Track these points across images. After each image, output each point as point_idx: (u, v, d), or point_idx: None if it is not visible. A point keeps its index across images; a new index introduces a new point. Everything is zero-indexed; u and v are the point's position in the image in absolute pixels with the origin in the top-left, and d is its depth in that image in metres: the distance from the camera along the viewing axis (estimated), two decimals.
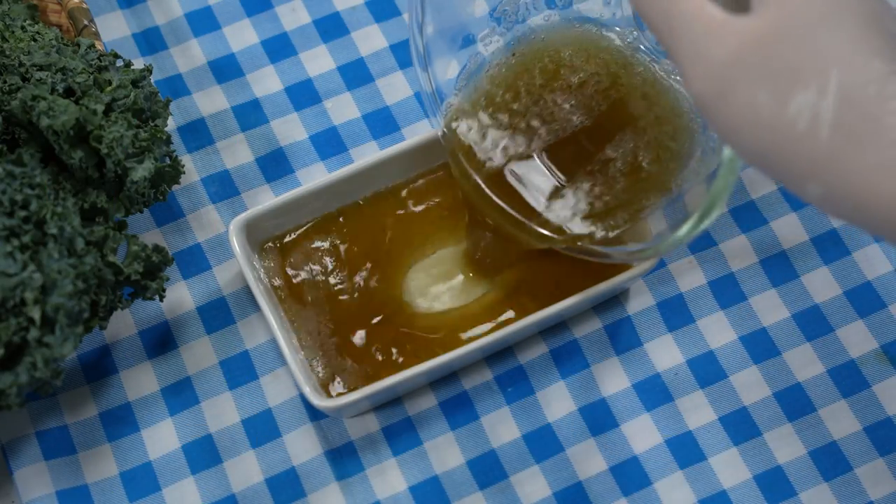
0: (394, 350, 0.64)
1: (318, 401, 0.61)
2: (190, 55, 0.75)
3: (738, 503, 0.63)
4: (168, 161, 0.65)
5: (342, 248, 0.67)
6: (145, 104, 0.64)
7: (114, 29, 0.75)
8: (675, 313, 0.67)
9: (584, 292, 0.63)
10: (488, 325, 0.65)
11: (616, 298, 0.67)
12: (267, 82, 0.74)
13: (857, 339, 0.66)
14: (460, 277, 0.66)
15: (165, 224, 0.70)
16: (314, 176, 0.71)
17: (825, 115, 0.45)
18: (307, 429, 0.65)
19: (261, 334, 0.67)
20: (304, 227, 0.67)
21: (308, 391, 0.61)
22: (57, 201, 0.59)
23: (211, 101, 0.73)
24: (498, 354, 0.66)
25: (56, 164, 0.63)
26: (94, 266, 0.58)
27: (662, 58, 0.63)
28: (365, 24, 0.75)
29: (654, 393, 0.65)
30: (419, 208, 0.68)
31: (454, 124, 0.64)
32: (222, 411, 0.65)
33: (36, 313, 0.56)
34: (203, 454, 0.64)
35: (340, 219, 0.68)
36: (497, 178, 0.64)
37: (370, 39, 0.75)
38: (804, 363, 0.66)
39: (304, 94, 0.73)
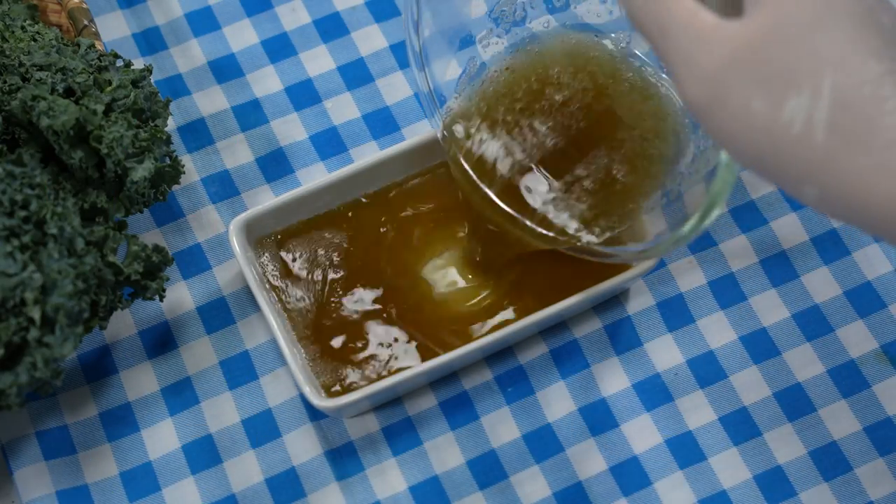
0: (394, 350, 0.64)
1: (318, 401, 0.61)
2: (190, 55, 0.75)
3: (738, 503, 0.63)
4: (168, 161, 0.65)
5: (342, 247, 0.67)
6: (145, 104, 0.64)
7: (114, 29, 0.75)
8: (675, 313, 0.67)
9: (584, 292, 0.63)
10: (488, 325, 0.65)
11: (616, 298, 0.67)
12: (267, 82, 0.74)
13: (857, 339, 0.66)
14: (461, 277, 0.66)
15: (165, 224, 0.70)
16: (314, 176, 0.71)
17: (820, 118, 0.45)
18: (307, 429, 0.65)
19: (261, 334, 0.67)
20: (304, 227, 0.67)
21: (308, 391, 0.61)
22: (57, 201, 0.59)
23: (211, 101, 0.73)
24: (498, 354, 0.66)
25: (56, 164, 0.63)
26: (94, 266, 0.58)
27: (656, 63, 0.63)
28: (365, 24, 0.75)
29: (654, 393, 0.65)
30: (419, 208, 0.68)
31: (454, 128, 0.64)
32: (222, 411, 0.65)
33: (36, 313, 0.56)
34: (203, 454, 0.64)
35: (340, 219, 0.68)
36: (497, 180, 0.64)
37: (370, 39, 0.75)
38: (804, 363, 0.66)
39: (304, 94, 0.73)
